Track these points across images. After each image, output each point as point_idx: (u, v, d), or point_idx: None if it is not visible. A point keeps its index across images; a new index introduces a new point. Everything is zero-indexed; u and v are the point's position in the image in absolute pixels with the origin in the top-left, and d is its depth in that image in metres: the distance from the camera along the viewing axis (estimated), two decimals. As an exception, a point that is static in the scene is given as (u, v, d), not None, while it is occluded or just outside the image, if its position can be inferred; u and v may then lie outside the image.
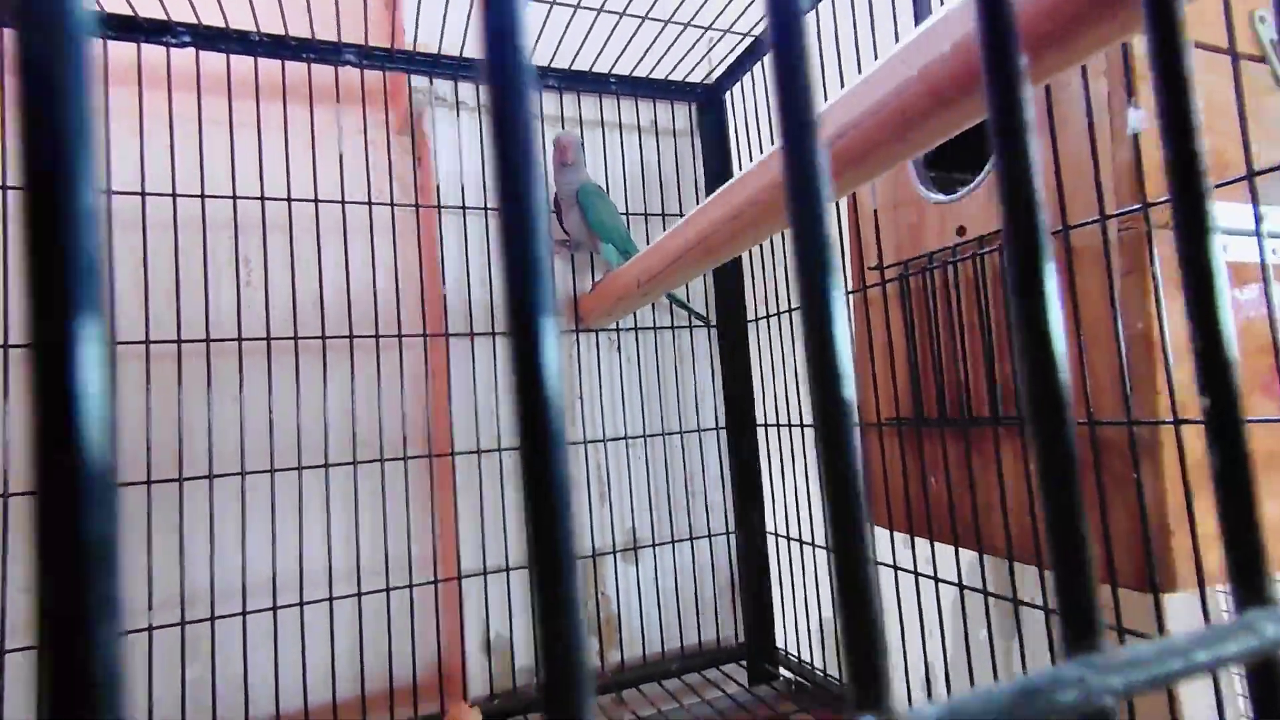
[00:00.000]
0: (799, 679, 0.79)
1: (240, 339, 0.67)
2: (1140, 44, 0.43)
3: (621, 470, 0.82)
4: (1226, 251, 0.44)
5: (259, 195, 0.69)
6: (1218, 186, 0.42)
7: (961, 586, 0.57)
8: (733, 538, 0.86)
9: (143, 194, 0.65)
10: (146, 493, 0.63)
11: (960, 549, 0.57)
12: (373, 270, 0.75)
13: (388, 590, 0.70)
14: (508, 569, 0.75)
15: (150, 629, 0.62)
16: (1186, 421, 0.40)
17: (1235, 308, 0.48)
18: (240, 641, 0.64)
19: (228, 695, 0.65)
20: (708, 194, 0.87)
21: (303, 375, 0.70)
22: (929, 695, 0.70)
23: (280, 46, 0.71)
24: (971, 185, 0.53)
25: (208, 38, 0.68)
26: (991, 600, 0.57)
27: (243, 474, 0.66)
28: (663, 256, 0.56)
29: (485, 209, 0.79)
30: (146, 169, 0.66)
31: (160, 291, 0.67)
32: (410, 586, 0.71)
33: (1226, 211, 0.43)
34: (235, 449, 0.67)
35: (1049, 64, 0.25)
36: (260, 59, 0.71)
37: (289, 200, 0.70)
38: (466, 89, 0.80)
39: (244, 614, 0.64)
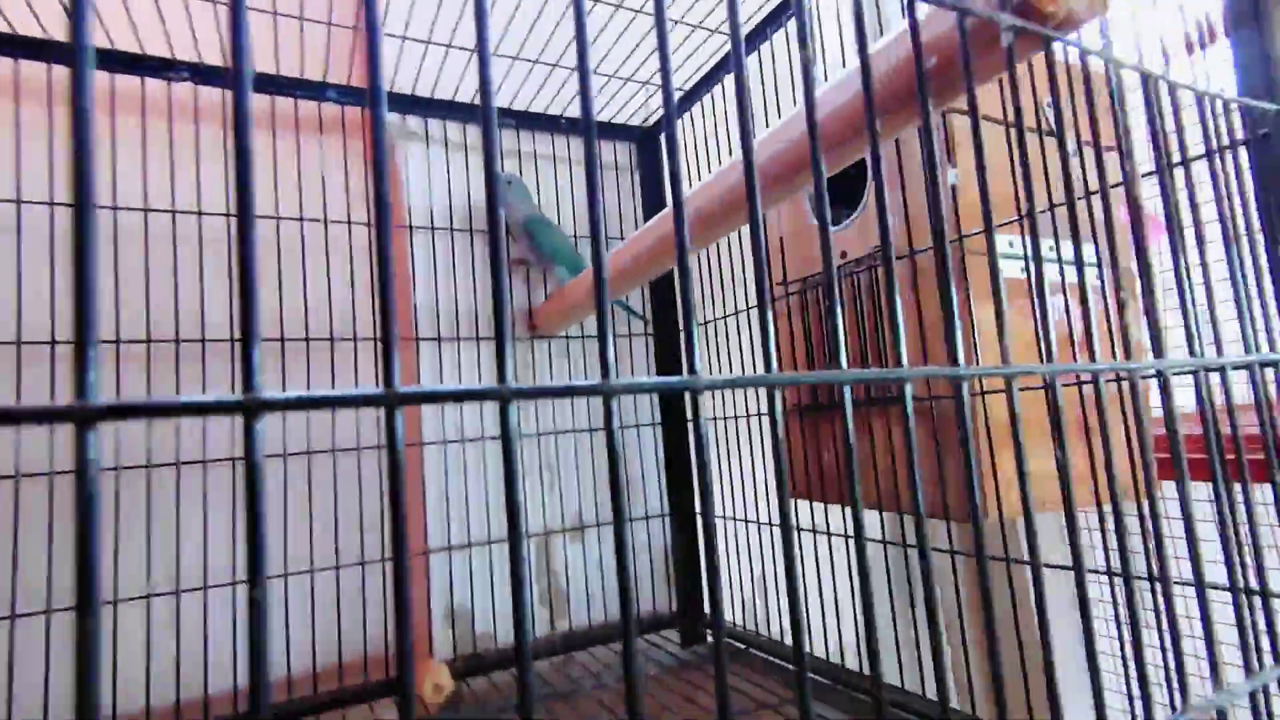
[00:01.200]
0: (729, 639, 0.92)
1: (232, 339, 0.75)
2: (960, 121, 0.59)
3: (569, 461, 0.94)
4: (1027, 270, 0.59)
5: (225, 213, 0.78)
6: (1004, 224, 0.58)
7: (848, 538, 0.71)
8: (667, 520, 0.98)
9: (145, 210, 0.74)
10: (115, 479, 0.70)
11: (845, 507, 0.71)
12: (351, 282, 0.84)
13: (362, 565, 0.79)
14: (469, 545, 0.85)
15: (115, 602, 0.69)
16: (990, 392, 0.55)
17: (1052, 311, 0.65)
18: (229, 617, 0.72)
19: (201, 670, 0.73)
20: (645, 220, 1.01)
21: (289, 374, 0.79)
22: (837, 628, 0.84)
23: (270, 84, 0.80)
24: (848, 220, 0.68)
25: (206, 74, 0.77)
26: (892, 548, 0.71)
27: (233, 461, 0.74)
28: (618, 268, 0.68)
29: (451, 229, 0.90)
30: (150, 188, 0.74)
31: (162, 294, 0.75)
32: (383, 561, 0.80)
33: (1018, 241, 0.59)
34: (228, 435, 0.75)
35: (849, 151, 0.39)
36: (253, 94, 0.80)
37: (277, 219, 0.80)
38: (435, 125, 0.91)
39: (234, 584, 0.72)
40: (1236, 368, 0.35)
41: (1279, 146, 0.41)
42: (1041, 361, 0.35)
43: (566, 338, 0.96)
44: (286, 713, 0.71)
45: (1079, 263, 0.29)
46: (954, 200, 0.57)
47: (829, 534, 0.74)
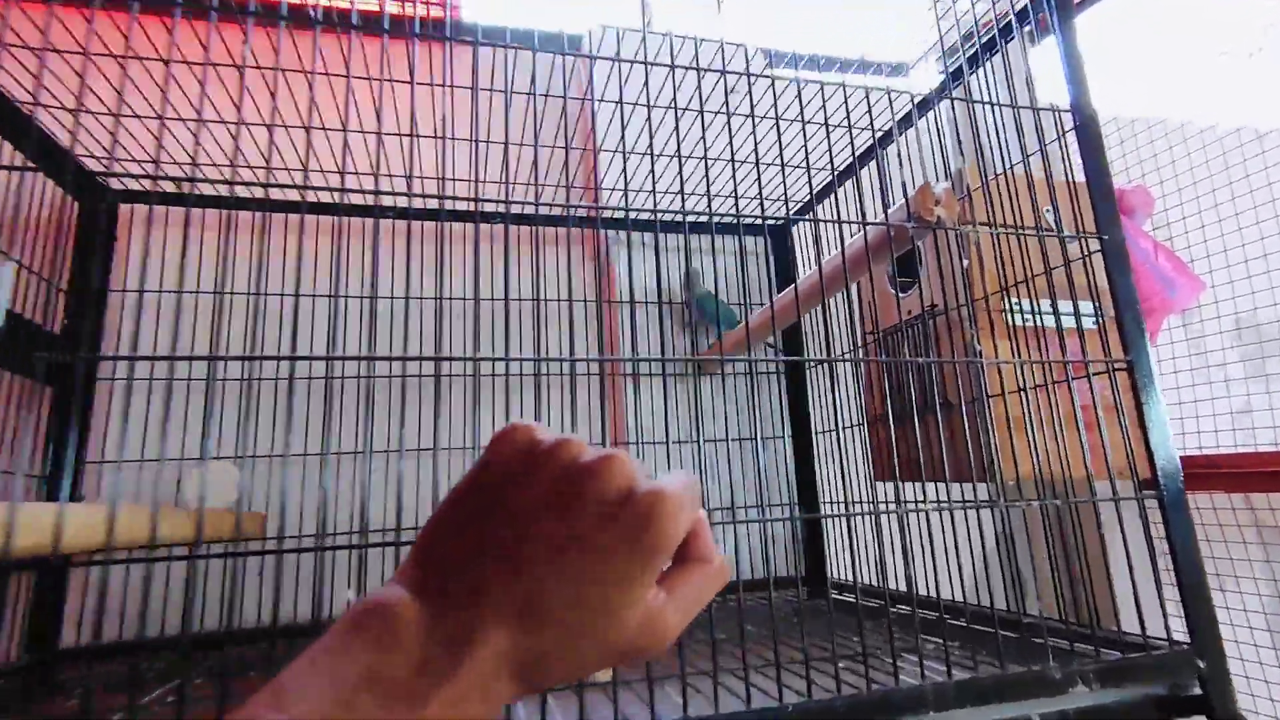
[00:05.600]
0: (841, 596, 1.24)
1: (505, 373, 1.24)
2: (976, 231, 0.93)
3: (719, 461, 1.32)
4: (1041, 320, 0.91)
5: (517, 297, 1.28)
6: (997, 292, 0.91)
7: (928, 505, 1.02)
8: (794, 509, 1.33)
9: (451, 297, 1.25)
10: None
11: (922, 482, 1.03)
12: (570, 335, 1.31)
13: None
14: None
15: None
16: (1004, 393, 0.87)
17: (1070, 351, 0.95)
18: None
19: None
20: (778, 291, 1.40)
21: (549, 394, 1.26)
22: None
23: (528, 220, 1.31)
24: (909, 292, 1.03)
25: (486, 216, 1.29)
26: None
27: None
28: (755, 322, 1.08)
29: (645, 302, 1.35)
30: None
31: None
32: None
33: (1029, 303, 0.91)
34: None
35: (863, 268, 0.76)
36: (509, 224, 1.31)
37: (535, 300, 1.28)
38: (635, 235, 1.38)
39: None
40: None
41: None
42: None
43: (722, 374, 1.36)
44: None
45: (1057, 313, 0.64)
46: (966, 278, 0.91)
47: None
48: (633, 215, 0.74)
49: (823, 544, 1.30)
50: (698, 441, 0.86)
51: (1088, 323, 0.88)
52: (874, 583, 1.27)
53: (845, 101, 0.80)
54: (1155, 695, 0.58)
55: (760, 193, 0.71)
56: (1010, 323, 0.91)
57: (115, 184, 1.12)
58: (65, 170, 1.01)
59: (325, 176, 1.14)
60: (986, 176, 0.84)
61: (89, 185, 1.10)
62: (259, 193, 1.11)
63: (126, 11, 0.66)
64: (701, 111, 0.75)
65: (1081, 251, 0.77)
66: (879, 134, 0.84)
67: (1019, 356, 0.89)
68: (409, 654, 0.21)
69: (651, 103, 0.74)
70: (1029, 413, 0.82)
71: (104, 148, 1.00)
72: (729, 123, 0.75)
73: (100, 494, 1.08)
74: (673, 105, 0.73)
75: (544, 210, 1.31)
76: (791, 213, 1.39)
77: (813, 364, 1.35)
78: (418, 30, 0.65)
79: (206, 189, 1.11)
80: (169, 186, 1.14)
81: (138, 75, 0.81)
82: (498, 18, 1.39)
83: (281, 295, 0.76)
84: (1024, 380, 0.83)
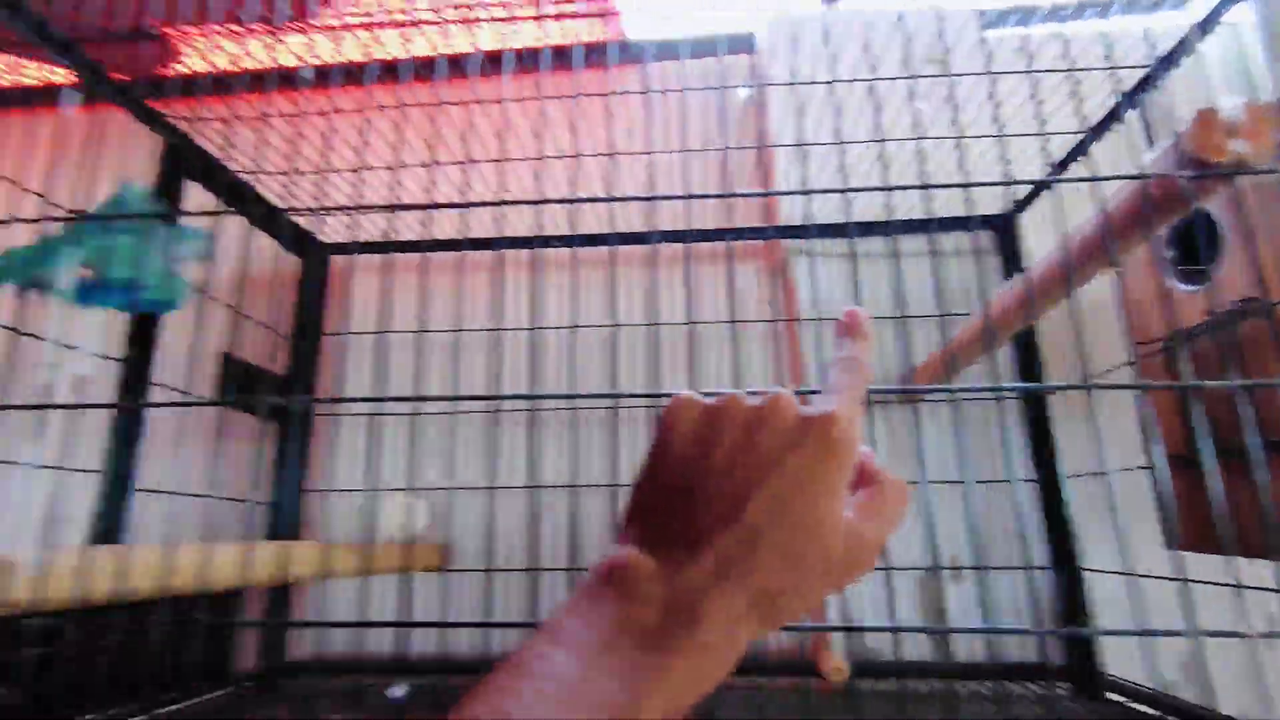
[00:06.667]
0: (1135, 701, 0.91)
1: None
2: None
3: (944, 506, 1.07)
4: None
5: (687, 321, 1.17)
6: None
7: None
8: (1043, 572, 1.02)
9: (615, 325, 1.17)
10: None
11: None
12: (735, 362, 1.16)
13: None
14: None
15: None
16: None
17: None
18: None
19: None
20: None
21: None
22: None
23: (717, 235, 1.20)
24: (1203, 286, 0.73)
25: (670, 235, 1.20)
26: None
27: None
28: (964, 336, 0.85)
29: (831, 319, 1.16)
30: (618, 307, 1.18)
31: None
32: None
33: None
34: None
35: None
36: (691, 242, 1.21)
37: (712, 322, 1.16)
38: (818, 244, 1.21)
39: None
40: None
41: None
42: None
43: (928, 401, 1.11)
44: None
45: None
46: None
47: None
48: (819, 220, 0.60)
49: (1085, 622, 0.98)
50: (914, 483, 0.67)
51: None
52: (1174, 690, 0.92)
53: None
54: None
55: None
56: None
57: (324, 238, 1.25)
58: (283, 229, 1.14)
59: (520, 212, 1.15)
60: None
61: (306, 242, 1.23)
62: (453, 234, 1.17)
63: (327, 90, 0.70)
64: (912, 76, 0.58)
65: None
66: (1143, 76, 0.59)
67: None
68: (655, 604, 0.23)
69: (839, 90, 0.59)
70: None
71: (313, 205, 1.12)
72: (952, 93, 0.58)
73: (317, 520, 1.18)
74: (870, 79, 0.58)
75: (716, 225, 1.20)
76: (1018, 196, 1.11)
77: (1061, 391, 1.05)
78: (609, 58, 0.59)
79: (406, 234, 1.19)
80: (371, 234, 1.24)
81: (340, 143, 0.88)
82: (661, 31, 1.33)
83: (473, 330, 0.74)
84: None
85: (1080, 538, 1.02)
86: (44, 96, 1.36)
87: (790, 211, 1.19)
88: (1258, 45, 0.85)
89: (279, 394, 1.14)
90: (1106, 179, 0.58)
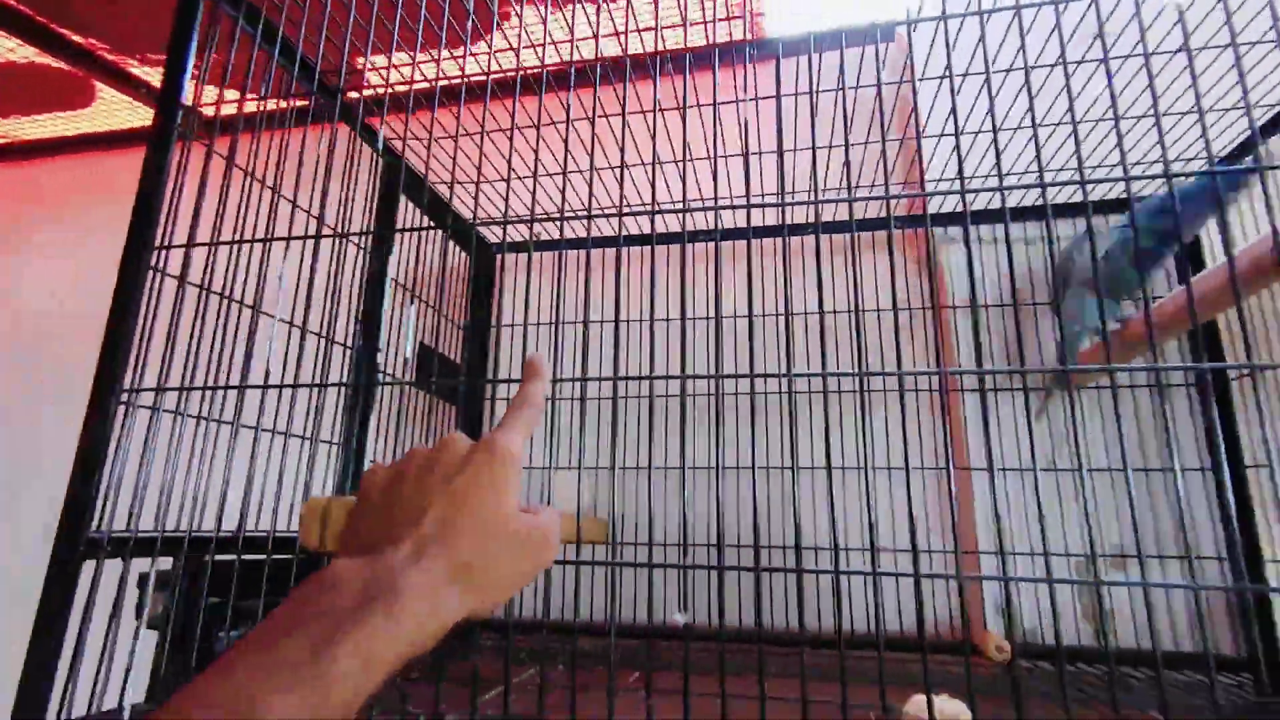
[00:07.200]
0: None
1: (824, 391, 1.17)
2: None
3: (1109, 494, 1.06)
4: None
5: (831, 309, 1.20)
6: None
7: None
8: (1219, 563, 1.00)
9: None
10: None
11: None
12: (896, 345, 1.18)
13: (929, 553, 1.08)
14: (1002, 553, 1.06)
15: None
16: None
17: None
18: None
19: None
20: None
21: (872, 413, 1.16)
22: None
23: (860, 226, 1.23)
24: None
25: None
26: None
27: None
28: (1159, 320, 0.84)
29: (987, 306, 1.16)
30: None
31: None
32: (943, 552, 1.08)
33: None
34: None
35: None
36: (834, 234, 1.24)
37: (851, 311, 1.19)
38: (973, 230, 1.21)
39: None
40: None
41: None
42: None
43: (1113, 387, 1.10)
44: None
45: None
46: None
47: None
48: (971, 205, 0.63)
49: (1274, 617, 0.95)
50: (1075, 470, 0.69)
51: None
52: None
53: None
54: None
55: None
56: None
57: (495, 238, 1.37)
58: (464, 232, 1.27)
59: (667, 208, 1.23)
60: None
61: (480, 243, 1.36)
62: (610, 231, 1.26)
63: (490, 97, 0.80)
64: (1063, 62, 0.60)
65: None
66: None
67: None
68: (353, 589, 0.27)
69: (991, 67, 0.62)
70: None
71: (486, 210, 1.24)
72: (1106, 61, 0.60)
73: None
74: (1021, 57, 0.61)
75: (859, 213, 1.22)
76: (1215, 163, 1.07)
77: (1245, 371, 1.01)
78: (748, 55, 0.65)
79: (568, 234, 1.29)
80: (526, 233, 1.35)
81: (502, 147, 0.98)
82: (802, 25, 1.36)
83: (625, 321, 0.83)
84: None
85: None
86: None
87: (942, 201, 1.20)
88: None
89: (463, 378, 1.28)
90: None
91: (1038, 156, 0.60)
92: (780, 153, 0.67)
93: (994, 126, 0.61)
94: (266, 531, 0.68)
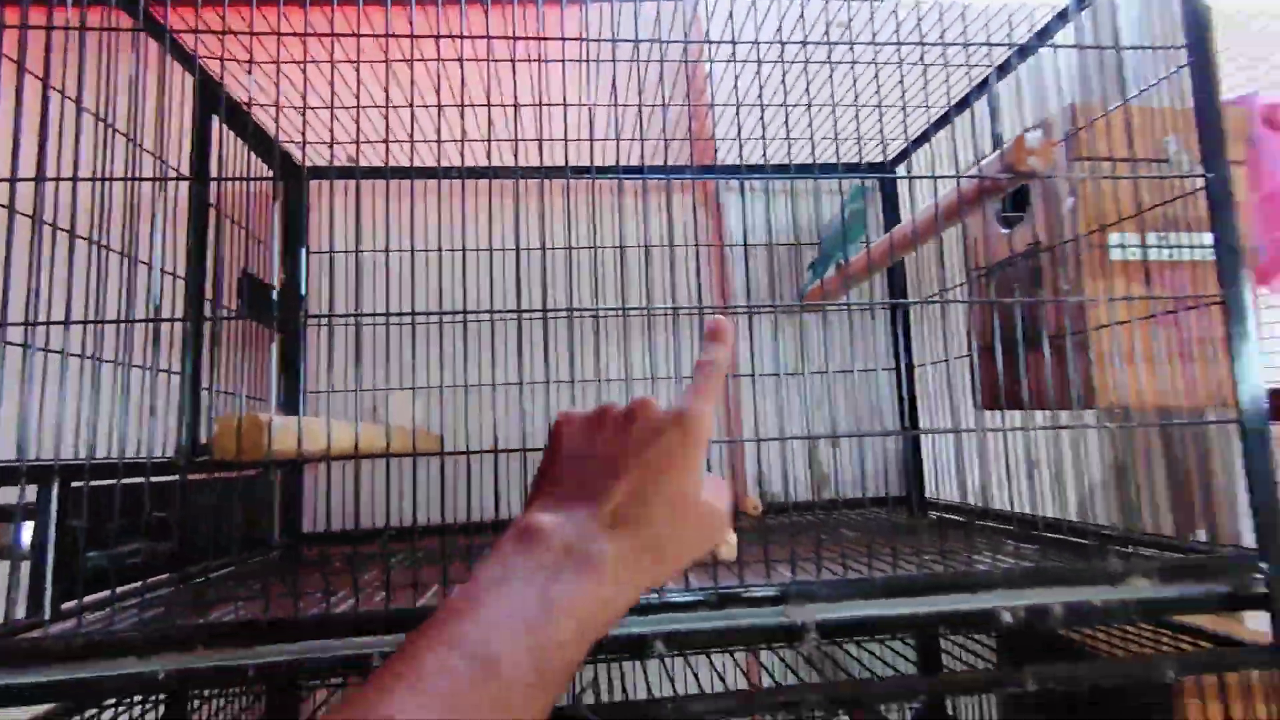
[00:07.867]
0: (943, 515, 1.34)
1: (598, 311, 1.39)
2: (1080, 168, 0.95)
3: (828, 392, 1.43)
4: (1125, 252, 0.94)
5: (618, 245, 1.41)
6: (1100, 229, 0.94)
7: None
8: (898, 438, 1.42)
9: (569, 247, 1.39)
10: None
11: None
12: (692, 279, 1.43)
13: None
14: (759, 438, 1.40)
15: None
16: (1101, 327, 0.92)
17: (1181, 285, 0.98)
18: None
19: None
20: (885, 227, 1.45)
21: (629, 340, 1.40)
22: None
23: (635, 171, 1.42)
24: (1015, 228, 1.07)
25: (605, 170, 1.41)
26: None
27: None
28: (855, 267, 1.16)
29: (755, 245, 1.45)
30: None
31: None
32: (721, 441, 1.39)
33: (1130, 238, 0.94)
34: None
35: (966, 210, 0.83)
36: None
37: (642, 247, 1.41)
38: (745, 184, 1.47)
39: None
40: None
41: None
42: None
43: (847, 312, 1.45)
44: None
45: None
46: (1074, 215, 0.95)
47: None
48: (741, 161, 0.86)
49: (923, 468, 1.40)
50: (818, 374, 0.97)
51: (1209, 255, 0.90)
52: (974, 503, 1.36)
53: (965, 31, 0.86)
54: (1218, 592, 0.66)
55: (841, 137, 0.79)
56: (1112, 260, 0.95)
57: (307, 163, 1.35)
58: (274, 156, 1.24)
59: (468, 146, 1.30)
60: (1108, 107, 0.87)
61: (289, 167, 1.33)
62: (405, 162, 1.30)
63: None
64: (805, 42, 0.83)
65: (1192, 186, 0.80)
66: (991, 69, 0.89)
67: (1117, 292, 0.93)
68: (556, 549, 0.29)
69: (763, 52, 0.83)
70: (1121, 344, 0.87)
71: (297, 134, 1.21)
72: (829, 57, 0.83)
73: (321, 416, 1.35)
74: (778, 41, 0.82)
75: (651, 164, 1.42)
76: (894, 154, 1.42)
77: (911, 305, 1.41)
78: None
79: (375, 161, 1.31)
80: (344, 160, 1.35)
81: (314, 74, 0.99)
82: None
83: (426, 251, 0.94)
84: (1121, 314, 0.88)
85: (927, 410, 1.42)
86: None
87: (723, 155, 1.43)
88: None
89: (280, 306, 1.28)
90: (959, 176, 0.88)
91: (785, 124, 0.83)
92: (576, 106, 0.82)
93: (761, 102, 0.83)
94: (138, 458, 0.72)
